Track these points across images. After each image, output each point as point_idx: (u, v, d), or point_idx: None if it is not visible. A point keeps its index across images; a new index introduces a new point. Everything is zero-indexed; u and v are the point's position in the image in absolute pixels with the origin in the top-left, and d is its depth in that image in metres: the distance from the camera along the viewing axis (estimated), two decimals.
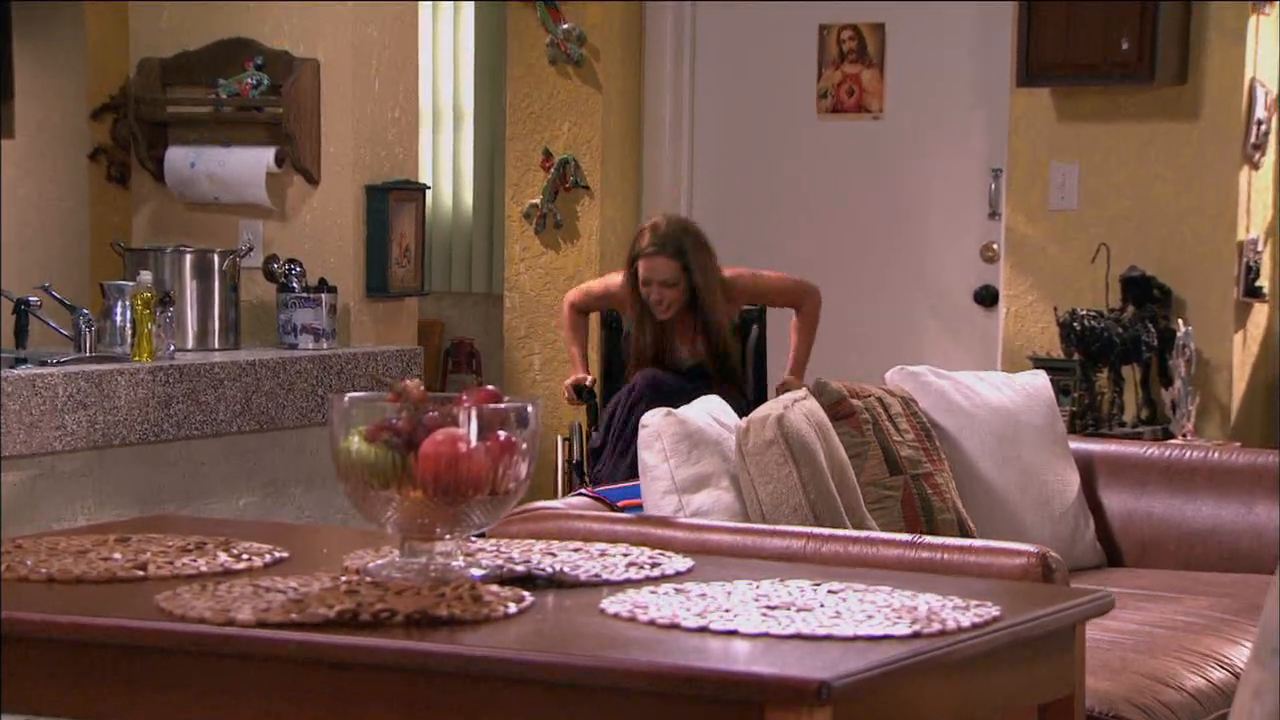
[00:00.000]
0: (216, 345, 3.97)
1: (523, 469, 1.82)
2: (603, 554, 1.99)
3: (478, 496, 1.78)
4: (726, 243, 5.53)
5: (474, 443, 1.78)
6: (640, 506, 2.86)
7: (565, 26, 5.25)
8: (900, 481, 3.12)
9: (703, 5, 5.46)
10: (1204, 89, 4.70)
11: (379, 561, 1.85)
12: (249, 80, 4.18)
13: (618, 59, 5.37)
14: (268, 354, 3.92)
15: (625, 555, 1.97)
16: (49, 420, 3.35)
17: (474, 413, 1.79)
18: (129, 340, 3.69)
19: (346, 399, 1.82)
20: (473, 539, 1.97)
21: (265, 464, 3.91)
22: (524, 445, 1.82)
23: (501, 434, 1.81)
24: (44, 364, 3.45)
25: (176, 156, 4.24)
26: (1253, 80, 4.70)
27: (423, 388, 1.83)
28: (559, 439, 4.89)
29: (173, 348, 3.74)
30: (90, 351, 3.59)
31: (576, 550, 2.00)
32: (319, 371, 3.99)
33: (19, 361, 3.44)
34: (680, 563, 1.95)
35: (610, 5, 5.31)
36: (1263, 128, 4.74)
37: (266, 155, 4.19)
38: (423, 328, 5.10)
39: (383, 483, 1.77)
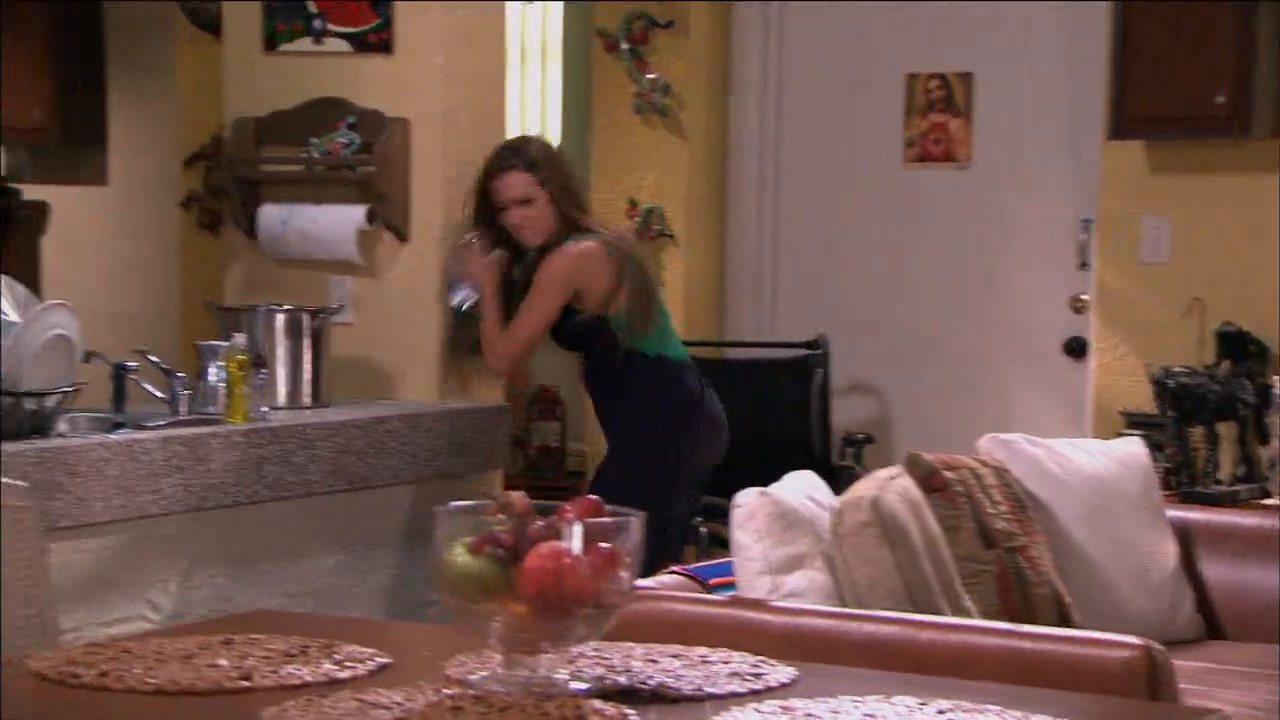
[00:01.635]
0: (307, 404, 4.01)
1: (626, 580, 1.81)
2: (704, 660, 1.97)
3: (582, 610, 1.78)
4: (810, 292, 5.52)
5: (578, 556, 1.78)
6: (732, 585, 2.84)
7: (651, 77, 5.26)
8: (994, 556, 3.09)
9: (788, 54, 5.45)
10: None
11: (482, 674, 1.85)
12: (341, 139, 4.21)
13: (703, 109, 5.37)
14: (357, 413, 3.94)
15: (727, 663, 1.96)
16: (146, 485, 3.38)
17: (578, 527, 1.78)
18: (221, 399, 3.72)
19: (450, 510, 1.82)
20: None
21: (354, 524, 3.93)
22: (626, 557, 1.82)
23: (604, 546, 1.80)
24: (141, 428, 3.49)
25: (269, 214, 4.29)
26: None
27: (527, 500, 1.83)
28: None
29: (265, 409, 3.77)
30: (186, 414, 3.63)
31: (677, 656, 1.99)
32: (408, 430, 4.01)
33: (116, 426, 3.48)
34: (784, 672, 1.93)
35: (696, 55, 5.32)
36: None
37: (357, 213, 4.22)
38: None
39: (487, 595, 1.77)
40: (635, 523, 1.84)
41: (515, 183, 3.86)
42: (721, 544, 5.16)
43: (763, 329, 5.54)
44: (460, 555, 1.79)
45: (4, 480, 2.11)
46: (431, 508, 4.26)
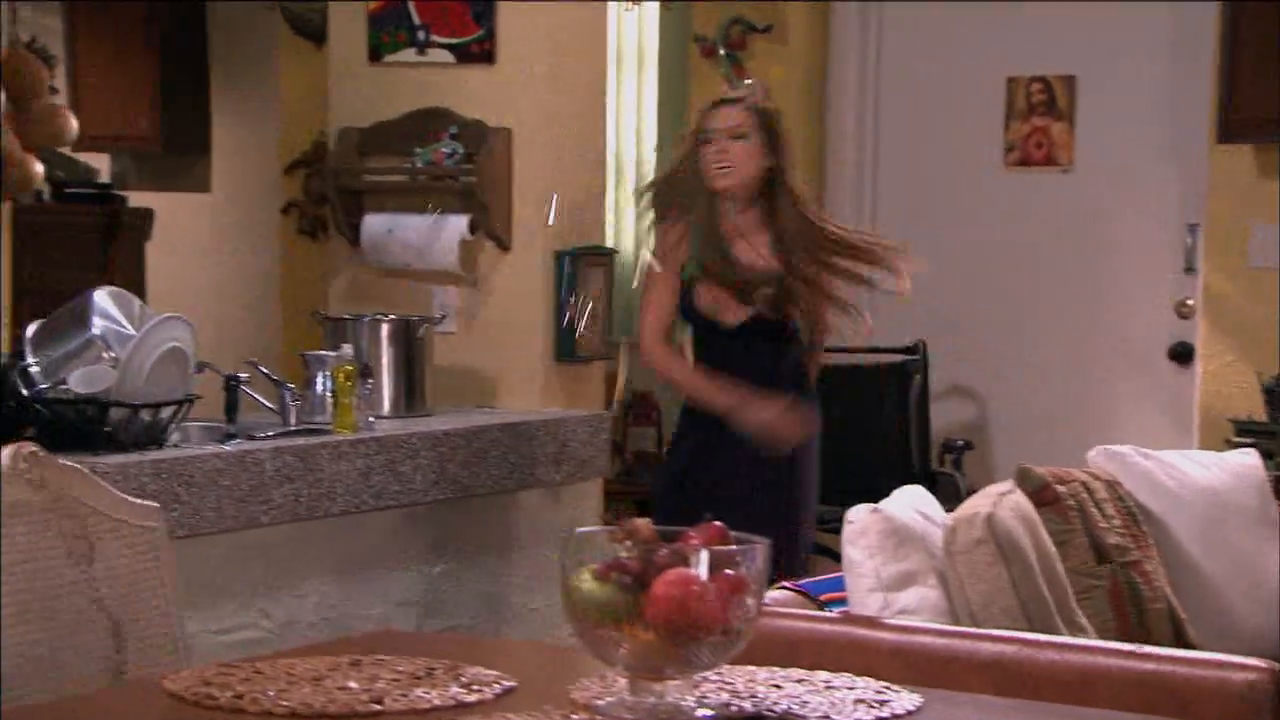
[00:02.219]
0: (411, 413, 4.04)
1: (752, 607, 1.81)
2: (828, 686, 1.97)
3: (709, 638, 1.78)
4: (912, 301, 5.48)
5: (705, 583, 1.78)
6: (842, 601, 2.83)
7: (748, 82, 5.24)
8: (1107, 571, 3.05)
9: (887, 58, 5.42)
10: None
11: (609, 700, 1.85)
12: (444, 149, 4.24)
13: (801, 114, 5.34)
14: (460, 422, 3.97)
15: (851, 689, 1.95)
16: (257, 495, 3.43)
17: (704, 554, 1.78)
18: (328, 408, 3.77)
19: (576, 535, 1.83)
20: None
21: (458, 532, 3.96)
22: (753, 584, 1.81)
23: (730, 572, 1.80)
24: (252, 438, 3.53)
25: (373, 224, 4.33)
26: None
27: (652, 527, 1.83)
28: None
29: (371, 419, 3.81)
30: (295, 424, 3.67)
31: (800, 681, 1.98)
32: (510, 439, 4.03)
33: (229, 437, 3.53)
34: (909, 699, 1.92)
35: (793, 60, 5.29)
36: None
37: (460, 223, 4.25)
38: (604, 381, 5.13)
39: (613, 622, 1.77)
40: (760, 549, 1.84)
41: (733, 115, 3.61)
42: (822, 551, 5.16)
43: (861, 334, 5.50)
44: (586, 582, 1.80)
45: (135, 501, 2.14)
46: (533, 515, 4.29)
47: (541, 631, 4.15)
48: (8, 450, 2.02)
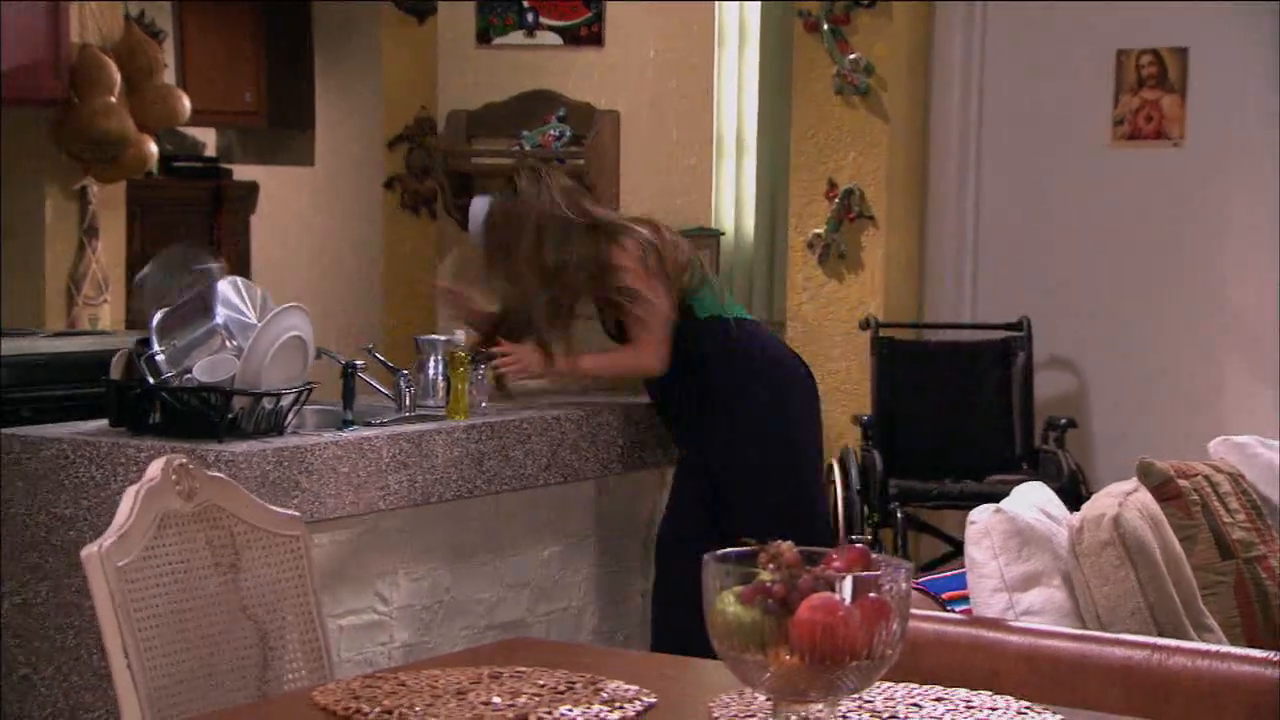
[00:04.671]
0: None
1: (896, 631, 1.81)
2: (968, 705, 1.97)
3: (853, 662, 1.78)
4: (1015, 277, 5.43)
5: (849, 608, 1.78)
6: (963, 599, 2.83)
7: (852, 57, 5.20)
8: (1232, 566, 3.02)
9: (992, 32, 5.34)
10: None
11: (750, 719, 1.87)
12: (552, 132, 4.25)
13: (904, 89, 5.29)
14: (570, 407, 3.99)
15: (993, 709, 1.95)
16: (374, 481, 3.48)
17: (849, 579, 1.79)
18: (440, 392, 3.80)
19: (720, 559, 1.84)
20: None
21: (567, 515, 3.99)
22: (896, 607, 1.81)
23: (873, 596, 1.81)
24: (369, 425, 3.58)
25: (481, 205, 4.34)
26: None
27: (796, 551, 1.83)
28: (833, 465, 4.88)
29: (484, 404, 3.84)
30: (410, 410, 3.71)
31: (940, 700, 1.99)
32: (619, 422, 4.05)
33: (346, 424, 3.58)
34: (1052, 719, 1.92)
35: (898, 35, 5.24)
36: None
37: None
38: None
39: (758, 646, 1.78)
40: (905, 572, 1.84)
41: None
42: (919, 527, 5.15)
43: (963, 311, 5.46)
44: (731, 605, 1.81)
45: (279, 510, 2.18)
46: (641, 497, 4.30)
47: (649, 614, 4.18)
48: (159, 462, 2.07)
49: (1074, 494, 4.70)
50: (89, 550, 1.98)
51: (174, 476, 2.05)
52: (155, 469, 2.05)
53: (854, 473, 4.98)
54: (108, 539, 1.99)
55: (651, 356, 3.81)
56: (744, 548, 1.86)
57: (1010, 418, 5.26)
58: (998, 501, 2.80)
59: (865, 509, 4.99)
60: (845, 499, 4.99)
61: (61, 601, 3.33)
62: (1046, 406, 5.30)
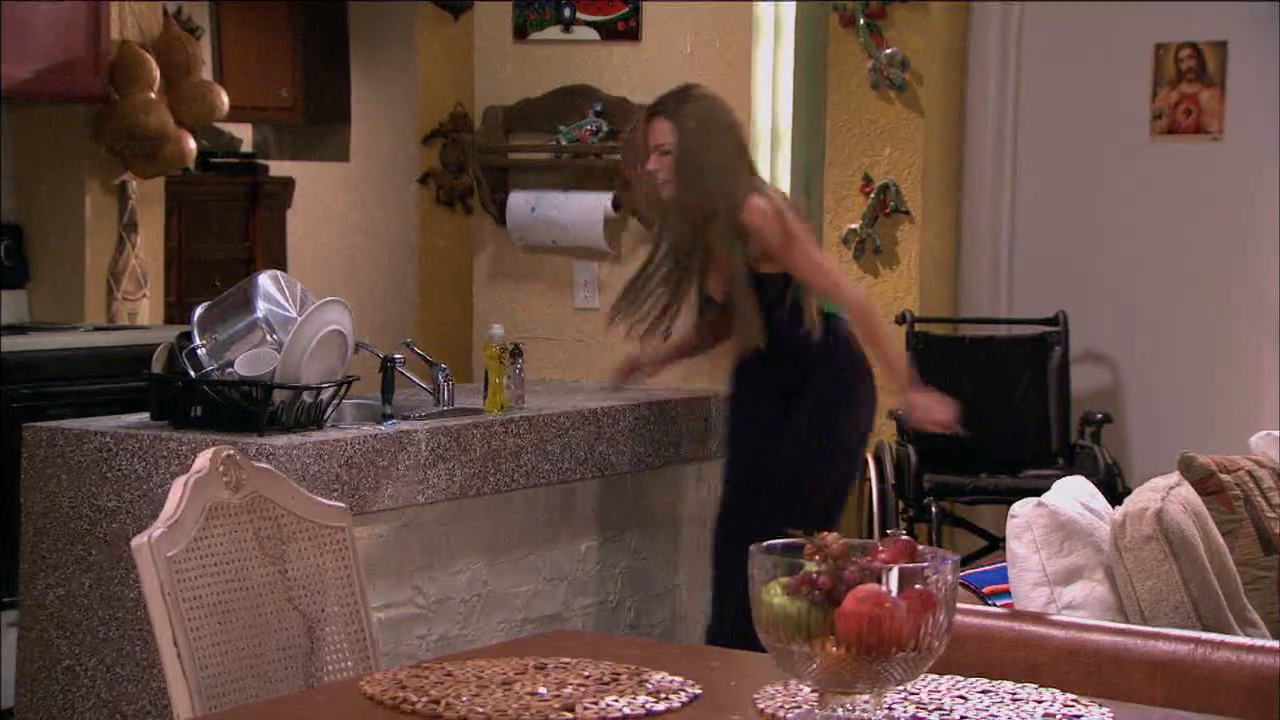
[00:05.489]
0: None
1: (943, 622, 1.81)
2: (1014, 698, 1.97)
3: (900, 654, 1.78)
4: (1049, 269, 5.41)
5: (895, 599, 1.78)
6: (1005, 593, 2.82)
7: (888, 51, 5.19)
8: (1275, 561, 3.00)
9: (1029, 26, 5.32)
10: None
11: (796, 712, 1.87)
12: (588, 127, 4.26)
13: (940, 84, 5.28)
14: (608, 401, 4.00)
15: (1039, 702, 1.95)
16: (413, 474, 3.49)
17: (895, 570, 1.79)
18: (482, 386, 3.82)
19: (766, 550, 1.84)
20: None
21: (604, 509, 4.00)
22: (942, 598, 1.81)
23: (919, 588, 1.81)
24: (407, 418, 3.59)
25: (517, 201, 4.36)
26: None
27: (842, 542, 1.84)
28: (869, 459, 4.87)
29: (522, 398, 3.85)
30: (449, 404, 3.72)
31: (985, 692, 1.99)
32: (656, 416, 4.06)
33: (385, 418, 3.60)
34: (1097, 714, 1.91)
35: (934, 30, 5.22)
36: None
37: (604, 200, 4.26)
38: None
39: (804, 637, 1.78)
40: (951, 563, 1.84)
41: (660, 130, 3.72)
42: (954, 521, 5.14)
43: (999, 306, 5.45)
44: (777, 596, 1.81)
45: (324, 502, 2.20)
46: (677, 491, 4.31)
47: (684, 608, 4.19)
48: (206, 453, 2.08)
49: (1110, 489, 4.68)
50: (139, 540, 2.00)
51: (221, 468, 2.07)
52: (203, 460, 2.07)
53: (889, 467, 4.97)
54: (157, 529, 2.01)
55: (851, 290, 3.77)
56: (791, 539, 1.86)
57: (1046, 412, 5.24)
58: (1034, 496, 2.79)
59: (900, 503, 4.99)
60: (880, 493, 4.99)
61: (105, 594, 3.36)
62: (1082, 401, 5.28)
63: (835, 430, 3.77)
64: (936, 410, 3.77)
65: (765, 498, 3.74)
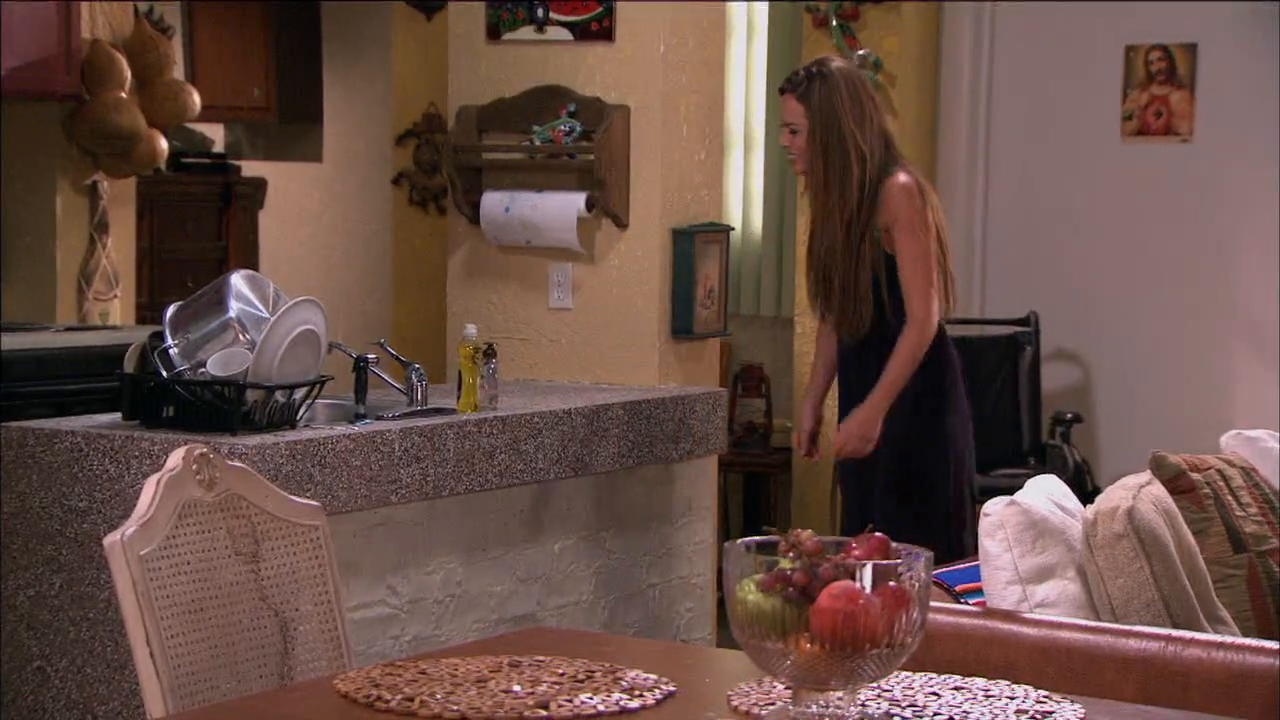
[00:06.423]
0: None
1: (917, 619, 1.82)
2: (987, 694, 1.98)
3: (873, 650, 1.79)
4: (1021, 269, 5.44)
5: (869, 596, 1.79)
6: (977, 592, 2.83)
7: (861, 53, 5.20)
8: (1245, 560, 3.02)
9: (1001, 29, 5.35)
10: None
11: (770, 708, 1.87)
12: (562, 127, 4.25)
13: (913, 85, 5.30)
14: (582, 401, 4.00)
15: (1011, 699, 1.96)
16: (386, 474, 3.48)
17: (869, 566, 1.80)
18: (456, 386, 3.81)
19: (741, 547, 1.85)
20: None
21: (578, 509, 4.00)
22: (916, 595, 1.82)
23: (893, 585, 1.81)
24: (381, 418, 3.59)
25: (491, 201, 4.36)
26: None
27: (817, 539, 1.84)
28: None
29: (495, 398, 3.84)
30: (422, 404, 3.72)
31: (958, 689, 1.99)
32: (630, 416, 4.06)
33: (358, 417, 3.59)
34: (1070, 711, 1.92)
35: (907, 31, 5.24)
36: None
37: (578, 200, 4.26)
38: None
39: (779, 634, 1.79)
40: (925, 560, 1.85)
41: (789, 108, 3.75)
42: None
43: (971, 306, 5.47)
44: (751, 593, 1.81)
45: (299, 500, 2.19)
46: (651, 491, 4.32)
47: (658, 608, 4.19)
48: (180, 451, 2.07)
49: (1080, 487, 4.71)
50: (111, 539, 1.99)
51: (195, 466, 2.06)
52: (176, 458, 2.06)
53: None
54: (130, 527, 2.00)
55: (932, 315, 3.67)
56: (765, 536, 1.87)
57: (1018, 412, 5.27)
58: (1006, 495, 2.80)
59: None
60: None
61: (76, 594, 3.34)
62: (1053, 400, 5.31)
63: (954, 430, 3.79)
64: (846, 443, 3.81)
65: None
